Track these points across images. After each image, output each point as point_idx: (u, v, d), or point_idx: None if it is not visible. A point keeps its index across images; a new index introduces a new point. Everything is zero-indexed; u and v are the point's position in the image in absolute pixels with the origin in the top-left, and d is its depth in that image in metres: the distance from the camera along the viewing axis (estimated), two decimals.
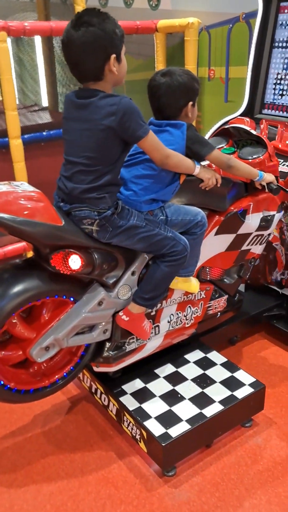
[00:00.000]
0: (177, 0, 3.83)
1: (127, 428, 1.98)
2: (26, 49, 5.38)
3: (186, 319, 2.16)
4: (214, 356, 2.23)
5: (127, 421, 1.97)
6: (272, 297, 2.71)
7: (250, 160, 2.08)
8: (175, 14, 3.75)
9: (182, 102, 1.83)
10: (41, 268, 1.71)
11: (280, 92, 2.77)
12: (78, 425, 2.14)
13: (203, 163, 2.01)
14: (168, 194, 1.85)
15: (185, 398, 1.99)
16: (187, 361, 2.20)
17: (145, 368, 2.14)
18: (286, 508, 1.77)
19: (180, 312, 2.11)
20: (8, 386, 1.74)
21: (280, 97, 2.78)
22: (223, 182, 1.97)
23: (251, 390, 2.03)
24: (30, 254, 1.85)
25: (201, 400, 1.98)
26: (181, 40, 3.64)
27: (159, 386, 2.06)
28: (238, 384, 2.06)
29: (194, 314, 2.18)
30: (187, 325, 2.17)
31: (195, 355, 2.24)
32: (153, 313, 2.01)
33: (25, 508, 1.79)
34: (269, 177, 2.04)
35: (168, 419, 1.89)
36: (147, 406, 1.95)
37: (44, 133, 3.70)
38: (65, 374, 1.90)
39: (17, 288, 1.65)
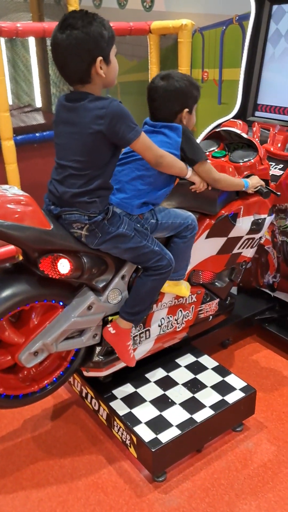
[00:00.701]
0: (170, 2, 3.82)
1: (117, 433, 1.97)
2: (20, 49, 5.36)
3: (177, 323, 2.15)
4: (206, 360, 2.22)
5: (117, 426, 1.96)
6: (264, 300, 2.71)
7: (241, 164, 2.07)
8: (168, 16, 3.74)
9: (177, 108, 1.82)
10: (29, 273, 1.69)
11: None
12: (68, 430, 2.13)
13: None
14: (161, 197, 1.85)
15: (175, 403, 1.98)
16: (178, 366, 2.19)
17: (136, 373, 2.13)
18: None
19: (171, 316, 2.10)
20: None
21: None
22: None
23: (242, 394, 2.02)
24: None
25: (192, 405, 1.97)
26: (175, 42, 3.63)
27: (150, 391, 2.04)
28: (229, 388, 2.05)
29: (185, 317, 2.17)
30: (178, 329, 2.16)
31: (186, 359, 2.23)
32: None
33: None
34: (255, 181, 2.03)
35: (158, 424, 1.88)
36: (137, 411, 1.94)
37: (37, 135, 3.68)
38: (54, 379, 1.89)
39: (6, 293, 1.64)
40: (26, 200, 1.60)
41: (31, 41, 4.68)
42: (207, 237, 2.08)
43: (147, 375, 2.12)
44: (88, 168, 1.60)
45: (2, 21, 2.84)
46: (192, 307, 2.19)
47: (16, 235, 1.55)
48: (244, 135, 2.15)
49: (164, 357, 2.22)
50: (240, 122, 2.72)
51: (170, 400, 2.00)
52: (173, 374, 2.13)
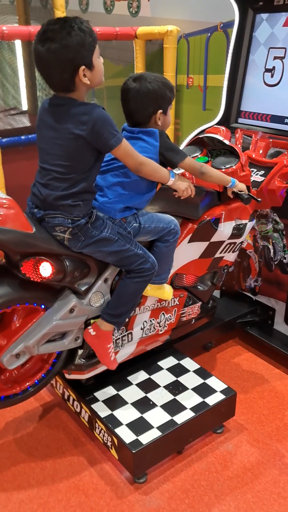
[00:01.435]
0: (157, 8, 3.87)
1: (98, 435, 1.98)
2: (6, 52, 5.35)
3: (160, 326, 2.17)
4: (187, 363, 2.25)
5: (98, 428, 1.97)
6: (246, 304, 2.75)
7: (223, 170, 2.10)
8: (154, 22, 3.78)
9: (151, 110, 1.83)
10: (11, 275, 1.70)
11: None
12: (50, 432, 2.14)
13: (176, 171, 2.04)
14: (143, 203, 1.87)
15: (157, 405, 2.00)
16: (160, 368, 2.21)
17: (118, 375, 2.14)
18: None
19: (153, 319, 2.12)
20: None
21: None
22: (197, 191, 2.00)
23: (222, 396, 2.05)
24: None
25: (173, 407, 1.99)
26: (160, 47, 3.68)
27: (132, 393, 2.06)
28: (210, 391, 2.08)
29: (168, 320, 2.20)
30: (160, 332, 2.19)
31: (168, 362, 2.25)
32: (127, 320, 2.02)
33: None
34: (241, 185, 2.07)
35: (139, 426, 1.90)
36: (118, 413, 1.96)
37: (23, 137, 3.68)
38: (36, 381, 1.89)
39: None
40: (8, 203, 1.61)
41: (18, 43, 4.68)
42: (190, 241, 2.11)
43: (129, 378, 2.14)
44: (71, 173, 1.62)
45: None
46: (175, 310, 2.21)
47: None
48: (227, 142, 2.19)
49: (147, 359, 2.24)
50: (224, 128, 2.77)
51: (151, 402, 2.02)
52: (155, 377, 2.15)
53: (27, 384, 1.87)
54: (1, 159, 3.06)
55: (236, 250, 2.33)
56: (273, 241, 2.53)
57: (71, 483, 1.90)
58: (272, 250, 2.56)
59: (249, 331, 2.67)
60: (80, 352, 1.93)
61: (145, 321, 2.09)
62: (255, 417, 2.23)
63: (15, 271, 1.68)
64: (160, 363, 2.24)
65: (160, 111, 1.84)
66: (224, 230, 2.18)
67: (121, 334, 2.02)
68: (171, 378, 2.16)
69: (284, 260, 2.51)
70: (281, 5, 2.66)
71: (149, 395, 2.06)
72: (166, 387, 2.10)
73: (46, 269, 1.67)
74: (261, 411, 2.26)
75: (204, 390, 2.08)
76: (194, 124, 3.09)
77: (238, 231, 2.23)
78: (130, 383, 2.12)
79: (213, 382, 2.14)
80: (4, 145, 3.52)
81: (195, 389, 2.09)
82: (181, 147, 2.56)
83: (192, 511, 1.79)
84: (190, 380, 2.14)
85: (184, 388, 2.09)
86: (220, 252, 2.24)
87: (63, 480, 1.91)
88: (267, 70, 2.75)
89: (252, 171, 2.47)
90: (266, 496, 1.85)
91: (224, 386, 2.11)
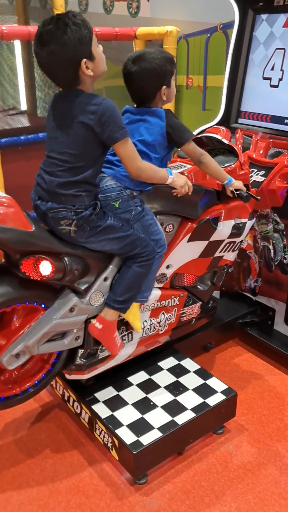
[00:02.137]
0: (156, 8, 3.87)
1: (99, 436, 1.97)
2: (5, 52, 5.35)
3: (160, 326, 2.16)
4: (188, 363, 2.24)
5: (99, 429, 1.96)
6: (246, 304, 2.74)
7: (222, 169, 2.09)
8: (154, 22, 3.78)
9: (155, 88, 1.82)
10: (11, 274, 1.69)
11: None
12: (50, 433, 2.12)
13: (174, 170, 2.03)
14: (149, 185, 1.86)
15: (157, 406, 1.99)
16: (161, 369, 2.20)
17: (118, 376, 2.13)
18: None
19: (153, 319, 2.12)
20: None
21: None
22: (195, 189, 1.99)
23: (223, 397, 2.04)
24: None
25: (173, 408, 1.98)
26: (161, 48, 3.67)
27: (132, 394, 2.05)
28: (211, 391, 2.07)
29: (168, 320, 2.19)
30: (160, 332, 2.18)
31: (168, 362, 2.24)
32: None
33: None
34: (238, 183, 2.06)
35: (140, 427, 1.89)
36: (119, 414, 1.94)
37: (22, 137, 3.67)
38: (36, 381, 1.88)
39: None
40: (8, 201, 1.60)
41: (17, 43, 4.67)
42: (189, 240, 2.10)
43: (129, 378, 2.13)
44: (76, 162, 1.63)
45: None
46: (175, 310, 2.21)
47: None
48: (225, 141, 2.19)
49: (147, 360, 2.23)
50: (224, 128, 2.77)
51: (152, 403, 2.00)
52: (156, 377, 2.14)
53: (27, 384, 1.85)
54: (0, 159, 3.04)
55: (236, 249, 2.32)
56: (274, 242, 2.52)
57: (71, 484, 1.89)
58: (272, 251, 2.55)
59: (249, 332, 2.66)
60: (80, 352, 1.92)
61: (145, 321, 2.08)
62: (255, 418, 2.22)
63: (14, 270, 1.67)
64: (160, 364, 2.23)
65: (164, 86, 1.83)
66: (224, 229, 2.17)
67: (122, 333, 2.00)
68: (171, 378, 2.15)
69: (284, 261, 2.51)
70: (281, 5, 2.66)
71: (150, 395, 2.04)
72: (166, 387, 2.09)
73: (46, 268, 1.66)
74: (262, 412, 2.25)
75: (204, 391, 2.07)
76: (194, 125, 3.08)
77: (237, 230, 2.22)
78: (130, 384, 2.11)
79: (214, 382, 2.13)
80: (3, 145, 3.51)
81: (195, 390, 2.08)
82: None
83: None
84: (191, 380, 2.13)
85: (184, 389, 2.08)
86: (220, 251, 2.24)
87: (63, 481, 1.90)
88: (267, 71, 2.75)
89: (253, 171, 2.47)
90: (267, 497, 1.84)
91: (224, 386, 2.10)
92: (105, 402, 2.01)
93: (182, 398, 2.03)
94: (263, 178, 2.43)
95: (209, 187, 2.10)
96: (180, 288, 2.20)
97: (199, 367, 2.22)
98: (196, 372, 2.18)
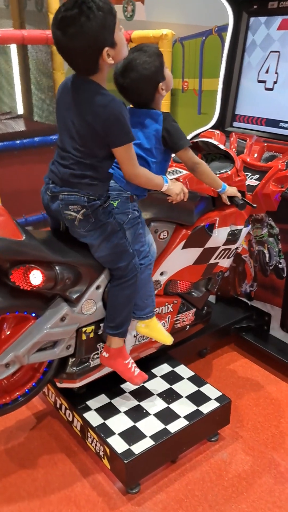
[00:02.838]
0: (151, 12, 3.86)
1: (91, 444, 1.95)
2: (2, 55, 5.34)
3: None
4: (182, 370, 2.22)
5: (91, 438, 1.94)
6: (241, 309, 2.72)
7: (218, 175, 2.08)
8: (149, 25, 3.77)
9: (151, 92, 1.79)
10: (1, 283, 1.67)
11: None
12: (43, 442, 2.10)
13: (170, 176, 2.02)
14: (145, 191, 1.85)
15: (150, 414, 1.97)
16: (154, 376, 2.18)
17: (111, 383, 2.11)
18: None
19: None
20: None
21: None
22: (191, 196, 1.97)
23: (217, 404, 2.02)
24: None
25: (166, 416, 1.96)
26: None
27: (125, 402, 2.03)
28: (204, 398, 2.05)
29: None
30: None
31: (162, 369, 2.22)
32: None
33: None
34: (232, 190, 2.04)
35: (132, 435, 1.87)
36: (111, 422, 1.93)
37: (18, 142, 3.66)
38: (27, 390, 1.86)
39: None
40: None
41: (13, 47, 4.66)
42: (184, 247, 2.08)
43: (122, 386, 2.11)
44: (87, 158, 1.62)
45: None
46: (168, 317, 2.19)
47: None
48: (222, 146, 2.17)
49: (140, 366, 2.20)
50: (218, 132, 2.75)
51: (144, 411, 1.99)
52: (149, 385, 2.12)
53: (17, 393, 1.83)
54: None
55: (231, 256, 2.30)
56: (268, 246, 2.51)
57: (62, 495, 1.87)
58: (267, 255, 2.53)
59: (245, 337, 2.64)
60: (71, 360, 1.90)
61: None
62: (250, 425, 2.20)
63: (4, 279, 1.65)
64: (154, 371, 2.21)
65: (160, 83, 1.79)
66: (219, 236, 2.16)
67: None
68: (165, 385, 2.13)
69: (279, 265, 2.49)
70: (275, 8, 2.65)
71: (142, 403, 2.03)
72: (159, 395, 2.07)
73: (36, 277, 1.64)
74: (257, 418, 2.23)
75: (198, 398, 2.05)
76: (190, 128, 3.07)
77: (233, 237, 2.21)
78: (123, 391, 2.09)
79: (208, 389, 2.11)
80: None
81: (189, 397, 2.06)
82: None
83: None
84: (184, 387, 2.11)
85: (178, 396, 2.06)
86: (215, 258, 2.22)
87: (55, 491, 1.88)
88: (262, 74, 2.73)
89: (247, 175, 2.45)
90: (261, 506, 1.82)
91: (218, 393, 2.08)
92: (97, 410, 1.99)
93: (175, 406, 2.01)
94: (257, 182, 2.41)
95: (205, 193, 2.08)
96: (174, 294, 2.18)
97: (193, 373, 2.20)
98: (190, 379, 2.16)
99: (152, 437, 1.86)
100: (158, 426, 1.91)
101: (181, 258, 2.10)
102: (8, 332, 1.74)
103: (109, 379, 2.07)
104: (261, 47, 2.73)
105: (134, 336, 2.06)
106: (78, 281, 1.79)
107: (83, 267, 1.77)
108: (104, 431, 1.88)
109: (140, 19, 3.95)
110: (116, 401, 2.03)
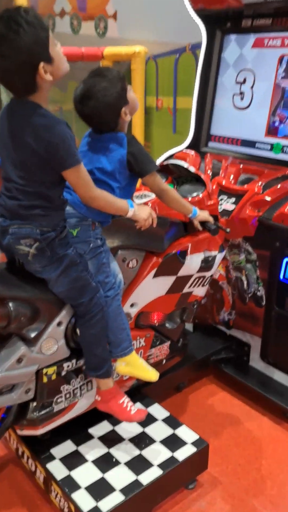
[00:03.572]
0: (124, 28, 3.76)
1: (55, 499, 1.75)
2: None
3: None
4: (156, 410, 2.04)
5: (54, 492, 1.74)
6: (220, 339, 2.57)
7: (189, 199, 1.95)
8: (122, 42, 3.67)
9: (114, 117, 1.66)
10: None
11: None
12: (3, 493, 1.89)
13: (137, 200, 1.88)
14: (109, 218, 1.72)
15: (120, 463, 1.79)
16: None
17: (78, 427, 1.92)
18: None
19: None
20: None
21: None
22: (161, 221, 1.83)
23: (194, 449, 1.85)
24: None
25: (138, 465, 1.78)
26: (128, 69, 3.55)
27: (92, 449, 1.84)
28: (180, 443, 1.87)
29: None
30: (125, 377, 1.98)
31: None
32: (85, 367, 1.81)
33: None
34: (204, 215, 1.91)
35: (99, 489, 1.68)
36: (77, 474, 1.73)
37: None
38: None
39: None
40: None
41: None
42: (155, 276, 1.93)
43: (90, 430, 1.92)
44: (32, 185, 1.47)
45: None
46: (141, 352, 2.02)
47: None
48: (192, 169, 2.03)
49: None
50: (193, 153, 2.64)
51: (114, 460, 1.80)
52: (119, 428, 1.94)
53: None
54: None
55: (206, 284, 2.16)
56: (246, 273, 2.37)
57: None
58: (245, 282, 2.39)
59: (224, 369, 2.48)
60: (32, 405, 1.71)
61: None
62: (230, 468, 2.03)
63: None
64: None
65: (123, 109, 1.66)
66: (192, 263, 2.01)
67: (80, 383, 1.81)
68: (137, 429, 1.94)
69: (258, 293, 2.35)
70: (249, 26, 2.57)
71: (112, 450, 1.84)
72: (131, 440, 1.89)
73: None
74: (237, 461, 2.06)
75: (173, 442, 1.88)
76: (165, 147, 2.95)
77: (207, 264, 2.06)
78: (91, 437, 1.90)
79: (184, 432, 1.93)
80: None
81: (164, 442, 1.88)
82: None
83: None
84: (158, 430, 1.94)
85: (151, 441, 1.88)
86: (189, 287, 2.07)
87: None
88: (237, 93, 2.63)
89: (223, 198, 2.33)
90: None
91: (195, 437, 1.91)
92: (62, 459, 1.79)
93: (148, 453, 1.83)
94: (233, 206, 2.28)
95: (175, 218, 1.94)
96: (146, 327, 2.02)
97: (168, 414, 2.02)
98: (164, 420, 1.99)
99: (122, 490, 1.68)
100: (129, 477, 1.73)
101: (152, 288, 1.95)
102: None
103: (76, 422, 1.89)
104: (235, 66, 2.64)
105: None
106: (36, 318, 1.62)
107: (41, 303, 1.60)
108: (69, 485, 1.69)
109: (112, 36, 3.85)
110: (83, 449, 1.84)
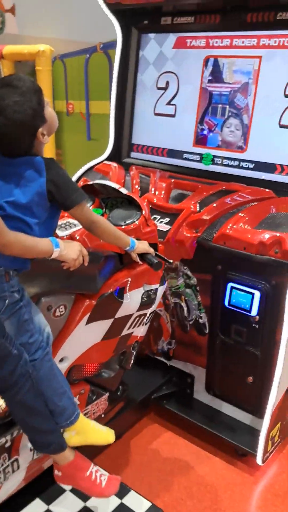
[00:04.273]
0: (25, 25, 3.36)
1: None
2: None
3: None
4: None
5: None
6: (160, 372, 2.31)
7: (123, 227, 1.65)
8: (24, 40, 3.27)
9: (29, 138, 1.32)
10: None
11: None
12: None
13: (60, 232, 1.55)
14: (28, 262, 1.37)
15: None
16: (62, 491, 1.68)
17: (8, 509, 1.56)
18: None
19: None
20: None
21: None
22: (93, 257, 1.51)
23: None
24: None
25: None
26: (33, 69, 3.17)
27: None
28: None
29: None
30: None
31: None
32: (8, 445, 1.45)
33: None
34: (143, 246, 1.63)
35: None
36: None
37: None
38: None
39: None
40: None
41: None
42: (88, 322, 1.61)
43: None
44: None
45: None
46: None
47: None
48: (124, 191, 1.73)
49: (43, 480, 1.68)
50: (115, 165, 2.35)
51: None
52: (55, 506, 1.62)
53: None
54: None
55: (147, 322, 1.88)
56: (186, 298, 2.13)
57: None
58: (185, 309, 2.15)
59: (166, 406, 2.23)
60: None
61: None
62: None
63: None
64: (61, 485, 1.68)
65: (40, 129, 1.33)
66: (131, 301, 1.72)
67: (2, 465, 1.44)
68: (77, 504, 1.63)
69: (200, 320, 2.12)
70: (168, 24, 2.33)
71: None
72: None
73: None
74: None
75: None
76: (79, 156, 2.64)
77: (148, 299, 1.79)
78: None
79: (133, 500, 1.66)
80: None
81: None
82: None
83: None
84: (103, 502, 1.63)
85: None
86: (128, 328, 1.78)
87: None
88: (159, 97, 2.39)
89: (156, 218, 2.06)
90: None
91: (148, 504, 1.64)
92: None
93: None
94: (168, 227, 2.02)
95: (109, 250, 1.63)
96: (79, 382, 1.69)
97: None
98: None
99: None
100: None
101: (85, 336, 1.63)
102: None
103: (6, 506, 1.52)
104: (156, 65, 2.40)
105: (31, 450, 1.54)
106: None
107: None
108: None
109: (11, 32, 3.43)
110: None
